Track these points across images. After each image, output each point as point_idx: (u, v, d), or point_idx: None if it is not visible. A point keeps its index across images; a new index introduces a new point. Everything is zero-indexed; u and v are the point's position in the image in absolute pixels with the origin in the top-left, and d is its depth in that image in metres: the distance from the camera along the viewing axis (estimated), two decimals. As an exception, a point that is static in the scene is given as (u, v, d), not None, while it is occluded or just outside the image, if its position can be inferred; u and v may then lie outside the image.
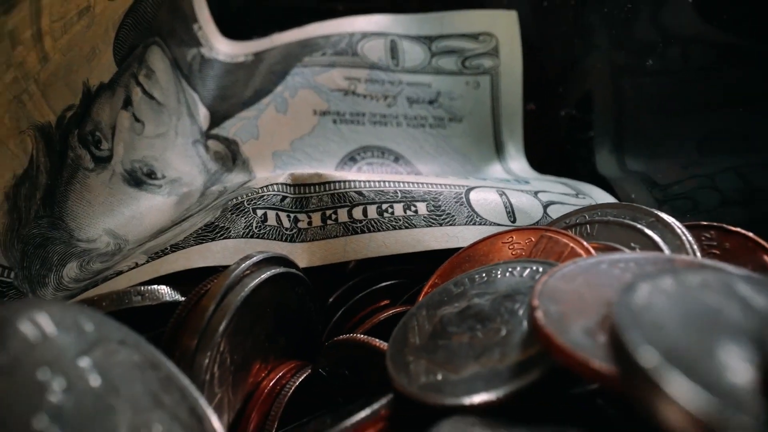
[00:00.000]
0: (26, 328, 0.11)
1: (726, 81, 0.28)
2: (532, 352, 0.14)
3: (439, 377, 0.15)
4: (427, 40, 0.36)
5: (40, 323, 0.11)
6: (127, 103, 0.27)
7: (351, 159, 0.33)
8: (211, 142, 0.31)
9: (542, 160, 0.36)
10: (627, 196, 0.29)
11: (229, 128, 0.31)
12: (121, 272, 0.21)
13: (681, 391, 0.08)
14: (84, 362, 0.12)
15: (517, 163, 0.36)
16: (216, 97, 0.33)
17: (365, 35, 0.35)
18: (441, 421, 0.13)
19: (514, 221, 0.25)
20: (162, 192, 0.28)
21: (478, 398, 0.13)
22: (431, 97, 0.35)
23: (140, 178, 0.27)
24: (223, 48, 0.34)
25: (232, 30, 0.35)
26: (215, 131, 0.31)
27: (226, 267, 0.20)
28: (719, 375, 0.08)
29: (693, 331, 0.09)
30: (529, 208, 0.25)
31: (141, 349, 0.14)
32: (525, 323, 0.15)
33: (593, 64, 0.34)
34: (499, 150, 0.36)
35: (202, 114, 0.32)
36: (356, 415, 0.14)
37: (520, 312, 0.16)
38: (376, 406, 0.14)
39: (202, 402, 0.14)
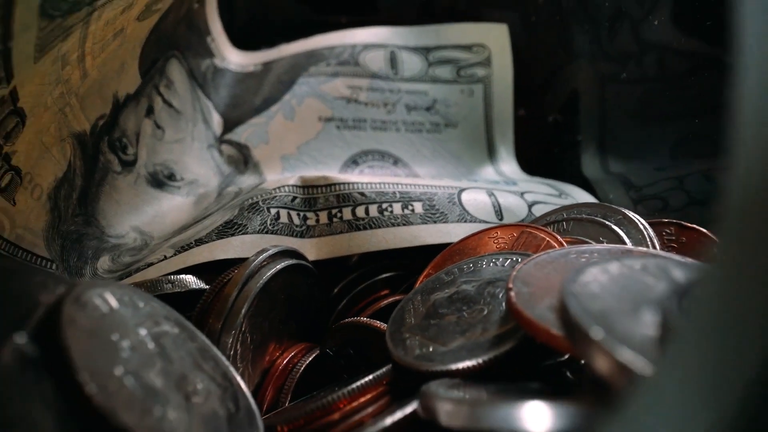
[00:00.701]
0: (98, 302, 0.14)
1: (698, 89, 0.31)
2: (508, 327, 0.17)
3: (431, 349, 0.18)
4: (424, 51, 0.39)
5: (107, 298, 0.14)
6: (150, 111, 0.30)
7: (353, 162, 0.36)
8: (224, 147, 0.34)
9: (531, 163, 0.38)
10: (606, 196, 0.32)
11: (241, 134, 0.34)
12: (151, 264, 0.24)
13: (603, 341, 0.11)
14: (141, 331, 0.14)
15: (508, 165, 0.38)
16: (228, 104, 0.35)
17: (366, 47, 0.37)
18: (430, 381, 0.15)
19: (501, 219, 0.27)
20: (181, 193, 0.31)
21: (462, 365, 0.16)
22: (428, 104, 0.38)
23: (161, 180, 0.30)
24: (234, 58, 0.37)
25: (242, 42, 0.38)
26: (228, 136, 0.34)
27: (244, 259, 0.22)
28: (634, 331, 0.11)
29: (622, 301, 0.12)
30: (515, 208, 0.28)
31: (181, 324, 0.17)
32: (503, 304, 0.18)
33: (577, 73, 0.36)
34: (491, 153, 0.39)
35: (216, 120, 0.35)
36: (361, 379, 0.17)
37: (500, 295, 0.19)
38: (377, 372, 0.17)
39: (232, 370, 0.17)
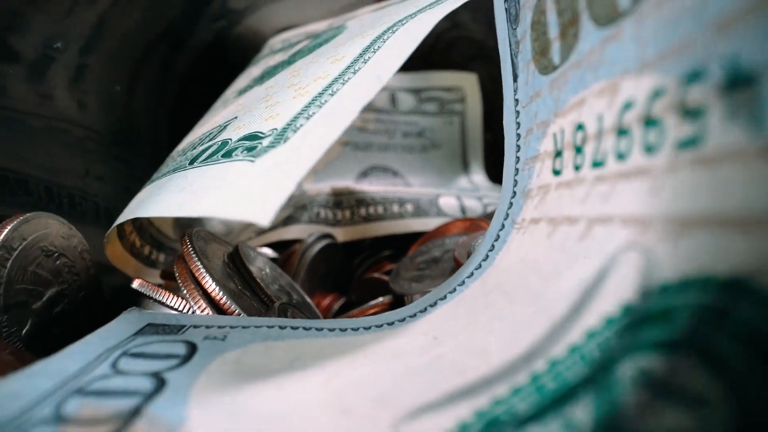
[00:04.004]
0: (259, 259, 0.29)
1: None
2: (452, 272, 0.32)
3: (413, 286, 0.33)
4: (417, 91, 0.54)
5: (265, 259, 0.30)
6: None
7: (364, 174, 0.52)
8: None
9: (496, 174, 0.54)
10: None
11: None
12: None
13: (458, 255, 0.26)
14: (275, 272, 0.30)
15: (478, 176, 0.54)
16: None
17: (373, 90, 0.53)
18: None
19: (464, 215, 0.43)
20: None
21: (427, 289, 0.32)
22: (419, 131, 0.54)
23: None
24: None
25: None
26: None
27: (299, 240, 0.38)
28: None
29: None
30: (474, 207, 0.44)
31: (281, 271, 0.32)
32: (452, 261, 0.33)
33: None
34: (465, 167, 0.54)
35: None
36: (372, 301, 0.32)
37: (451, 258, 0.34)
38: (381, 298, 0.33)
39: (307, 297, 0.32)
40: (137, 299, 0.33)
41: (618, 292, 0.11)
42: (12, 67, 0.37)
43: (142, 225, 0.37)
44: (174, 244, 0.40)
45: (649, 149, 0.12)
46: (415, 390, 0.14)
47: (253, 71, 0.36)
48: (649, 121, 0.12)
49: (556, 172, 0.17)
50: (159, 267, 0.38)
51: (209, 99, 0.44)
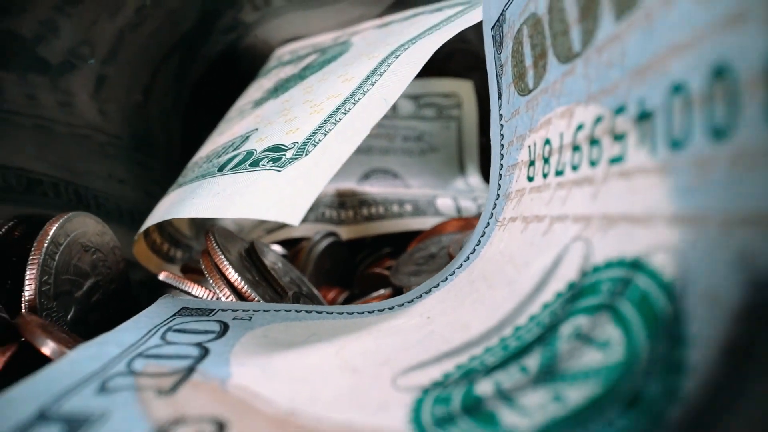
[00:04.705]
0: (269, 253, 0.33)
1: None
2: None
3: (412, 279, 0.37)
4: (415, 97, 0.58)
5: (276, 253, 0.33)
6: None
7: (366, 176, 0.55)
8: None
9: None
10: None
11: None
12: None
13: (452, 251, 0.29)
14: (286, 267, 0.33)
15: (474, 178, 0.58)
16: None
17: (375, 97, 0.56)
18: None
19: (459, 214, 0.46)
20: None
21: (421, 281, 0.35)
22: (418, 135, 0.57)
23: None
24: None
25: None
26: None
27: (306, 238, 0.41)
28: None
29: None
30: (469, 207, 0.47)
31: (292, 266, 0.36)
32: (447, 257, 0.37)
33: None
34: (462, 169, 0.58)
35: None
36: (374, 293, 0.36)
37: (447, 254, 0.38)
38: (382, 290, 0.36)
39: (314, 290, 0.36)
40: (159, 291, 0.37)
41: (566, 274, 0.15)
42: (41, 76, 0.40)
43: (161, 224, 0.40)
44: (189, 242, 0.43)
45: (593, 163, 0.15)
46: (410, 355, 0.17)
47: (265, 83, 0.40)
48: (593, 141, 0.15)
49: (530, 179, 0.21)
50: (176, 262, 0.42)
51: (220, 105, 0.48)
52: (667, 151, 0.12)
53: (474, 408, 0.12)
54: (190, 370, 0.16)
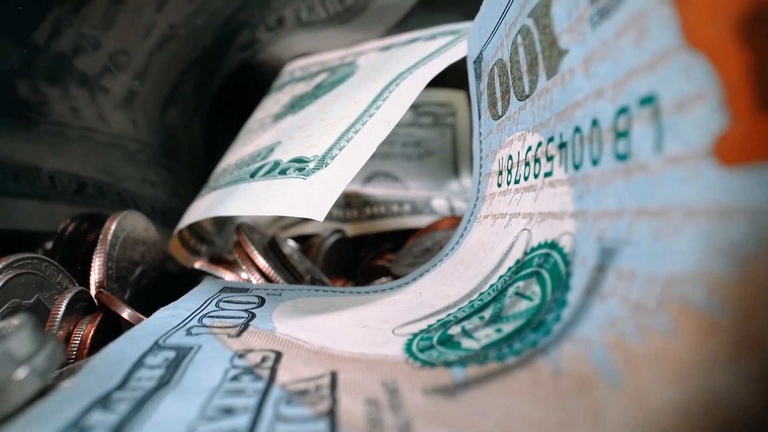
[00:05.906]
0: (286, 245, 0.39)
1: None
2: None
3: (409, 270, 0.43)
4: (414, 107, 0.64)
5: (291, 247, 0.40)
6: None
7: (368, 179, 0.62)
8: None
9: (482, 179, 0.64)
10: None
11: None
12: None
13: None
14: (300, 257, 0.40)
15: (467, 180, 0.64)
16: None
17: (377, 106, 0.63)
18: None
19: (452, 213, 0.53)
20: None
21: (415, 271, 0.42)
22: (416, 141, 0.64)
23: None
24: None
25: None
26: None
27: (316, 234, 0.48)
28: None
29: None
30: (462, 207, 0.54)
31: (304, 257, 0.42)
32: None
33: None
34: (456, 172, 0.64)
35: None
36: (376, 281, 0.42)
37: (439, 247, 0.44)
38: (384, 278, 0.43)
39: (325, 278, 0.42)
40: (188, 280, 0.43)
41: (516, 254, 0.21)
42: (82, 90, 0.47)
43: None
44: (212, 237, 0.50)
45: (536, 176, 0.22)
46: (405, 317, 0.24)
47: (281, 98, 0.46)
48: (536, 159, 0.22)
49: (498, 185, 0.27)
50: (202, 256, 0.48)
51: (237, 114, 0.54)
52: (572, 170, 0.18)
53: (446, 341, 0.18)
54: (245, 325, 0.22)
